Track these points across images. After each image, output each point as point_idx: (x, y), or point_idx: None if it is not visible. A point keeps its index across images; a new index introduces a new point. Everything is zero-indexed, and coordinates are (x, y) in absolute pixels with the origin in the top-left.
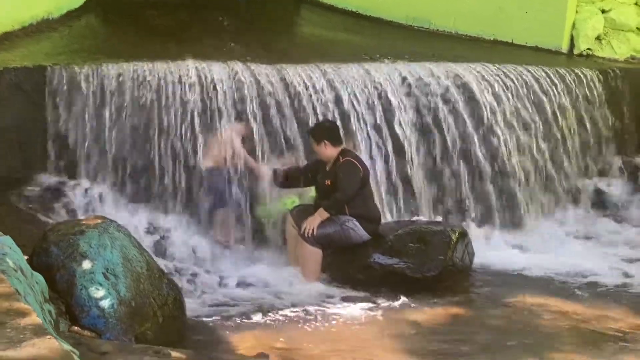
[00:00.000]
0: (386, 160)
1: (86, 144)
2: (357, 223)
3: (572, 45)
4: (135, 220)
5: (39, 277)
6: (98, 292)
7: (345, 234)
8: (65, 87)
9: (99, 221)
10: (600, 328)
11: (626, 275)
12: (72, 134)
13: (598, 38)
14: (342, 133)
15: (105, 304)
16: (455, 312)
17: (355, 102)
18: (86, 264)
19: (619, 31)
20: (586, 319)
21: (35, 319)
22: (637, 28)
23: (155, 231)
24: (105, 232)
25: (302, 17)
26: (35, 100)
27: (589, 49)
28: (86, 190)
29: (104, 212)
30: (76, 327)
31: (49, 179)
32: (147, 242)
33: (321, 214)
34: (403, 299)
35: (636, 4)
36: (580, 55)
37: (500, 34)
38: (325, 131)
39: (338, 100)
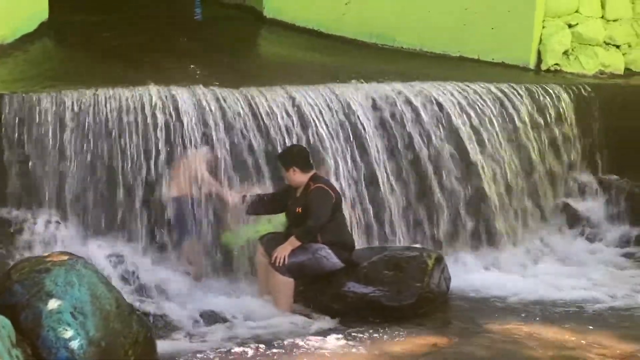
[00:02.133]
0: (358, 185)
1: (47, 175)
2: (329, 251)
3: (539, 60)
4: (100, 253)
5: (5, 321)
6: (66, 333)
7: (317, 263)
8: (23, 116)
9: (65, 258)
10: (587, 356)
11: (606, 297)
12: (32, 164)
13: (565, 53)
14: (311, 158)
15: (74, 345)
16: (435, 341)
17: (324, 125)
18: (53, 304)
19: (586, 46)
20: (571, 346)
21: None
22: (604, 42)
23: (121, 265)
24: (72, 269)
25: (264, 36)
26: None
27: (556, 64)
28: (48, 223)
29: (67, 246)
30: None
31: (8, 212)
32: (113, 276)
33: (292, 243)
34: (380, 328)
35: (602, 17)
36: (548, 70)
37: (466, 50)
38: (294, 156)
39: (306, 124)
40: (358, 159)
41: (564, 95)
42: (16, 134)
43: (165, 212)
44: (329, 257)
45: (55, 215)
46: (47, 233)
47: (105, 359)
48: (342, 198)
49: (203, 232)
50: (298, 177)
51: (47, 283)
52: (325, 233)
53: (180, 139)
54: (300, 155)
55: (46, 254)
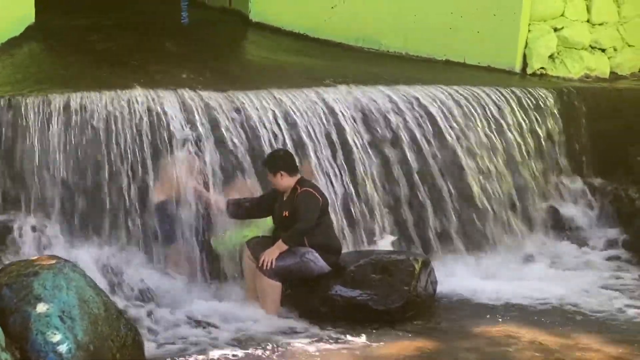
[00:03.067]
0: (344, 188)
1: (34, 178)
2: (317, 254)
3: (525, 64)
4: (87, 257)
5: None
6: (55, 337)
7: (305, 266)
8: (10, 119)
9: (53, 261)
10: (572, 359)
11: (592, 300)
12: (19, 167)
13: (551, 57)
14: (297, 161)
15: (62, 349)
16: (423, 345)
17: (310, 129)
18: (41, 307)
19: (572, 49)
20: (558, 350)
21: None
22: (590, 46)
23: (108, 268)
24: (60, 272)
25: (250, 40)
26: None
27: (542, 68)
28: (36, 227)
29: (54, 249)
30: None
31: None
32: (100, 279)
33: (279, 246)
34: (367, 331)
35: (588, 21)
36: (534, 74)
37: (452, 54)
38: (280, 161)
39: (292, 127)
40: (344, 161)
41: (550, 99)
42: (2, 137)
43: (151, 216)
44: (316, 261)
45: (43, 219)
46: (35, 237)
47: None
48: (329, 201)
49: (190, 236)
50: (285, 181)
51: (36, 287)
52: (313, 236)
53: (166, 143)
54: (286, 159)
55: (34, 258)
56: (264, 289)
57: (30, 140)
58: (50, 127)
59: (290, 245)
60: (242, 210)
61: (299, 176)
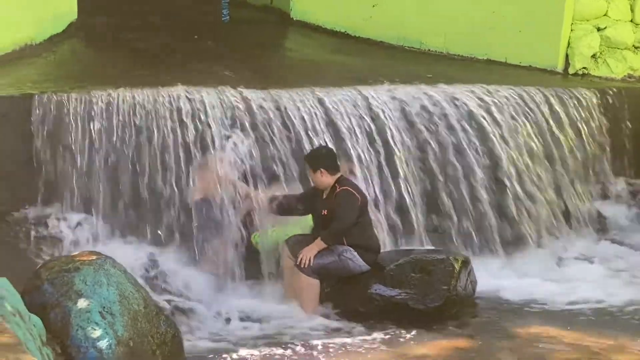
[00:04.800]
0: (384, 187)
1: (76, 175)
2: (355, 253)
3: (567, 64)
4: (128, 253)
5: (36, 320)
6: (95, 332)
7: (343, 265)
8: (53, 116)
9: (94, 257)
10: None
11: (632, 301)
12: (61, 164)
13: (594, 57)
14: (338, 159)
15: (102, 344)
16: (462, 344)
17: (350, 127)
18: (82, 303)
19: (615, 49)
20: (599, 351)
21: None
22: (633, 46)
23: (149, 265)
24: (100, 268)
25: (291, 38)
26: (22, 130)
27: (584, 67)
28: (77, 223)
29: (95, 246)
30: None
31: (38, 211)
32: (141, 276)
33: (318, 244)
34: (406, 331)
35: (632, 21)
36: (576, 74)
37: (494, 53)
38: (322, 158)
39: (333, 126)
40: (384, 160)
41: (593, 99)
42: (45, 134)
43: (192, 213)
44: (355, 259)
45: (84, 215)
46: (76, 232)
47: (134, 359)
48: (368, 200)
49: (229, 234)
50: (325, 179)
51: (77, 282)
52: (351, 236)
53: (208, 140)
54: (328, 157)
55: (75, 254)
56: (302, 287)
57: (72, 136)
58: (92, 123)
59: (328, 244)
60: (284, 208)
61: (339, 175)
